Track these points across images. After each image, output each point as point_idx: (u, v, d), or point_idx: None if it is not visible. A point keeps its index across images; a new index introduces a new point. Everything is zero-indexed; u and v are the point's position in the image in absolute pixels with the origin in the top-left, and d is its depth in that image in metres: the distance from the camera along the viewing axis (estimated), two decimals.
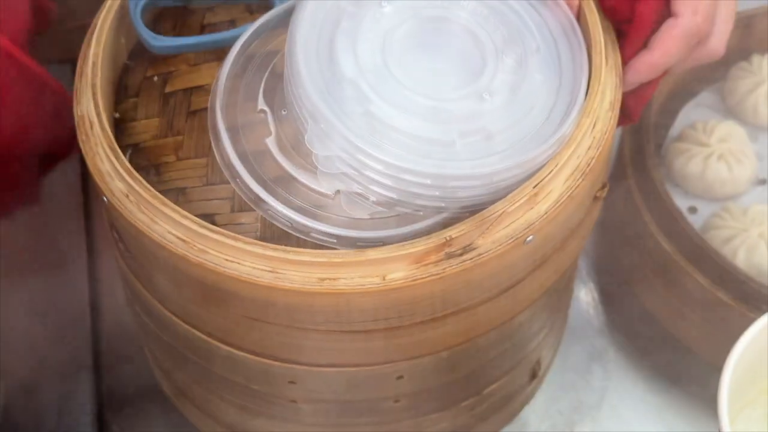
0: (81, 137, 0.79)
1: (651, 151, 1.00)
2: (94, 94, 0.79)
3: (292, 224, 0.74)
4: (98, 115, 0.77)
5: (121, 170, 0.73)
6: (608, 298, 1.07)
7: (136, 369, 1.00)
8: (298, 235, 0.74)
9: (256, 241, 0.70)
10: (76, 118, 0.80)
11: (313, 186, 0.76)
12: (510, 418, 0.95)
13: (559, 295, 0.89)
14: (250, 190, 0.75)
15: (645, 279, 1.02)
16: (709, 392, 0.76)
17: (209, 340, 0.78)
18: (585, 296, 1.06)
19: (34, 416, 0.96)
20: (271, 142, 0.79)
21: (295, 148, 0.78)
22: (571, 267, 0.90)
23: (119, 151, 0.75)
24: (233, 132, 0.79)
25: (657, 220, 0.97)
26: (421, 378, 0.80)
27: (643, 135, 1.01)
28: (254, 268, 0.70)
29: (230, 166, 0.76)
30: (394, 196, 0.72)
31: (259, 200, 0.75)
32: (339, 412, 0.83)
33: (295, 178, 0.77)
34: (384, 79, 0.76)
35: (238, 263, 0.70)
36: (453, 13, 0.81)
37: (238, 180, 0.76)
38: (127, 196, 0.73)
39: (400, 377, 0.78)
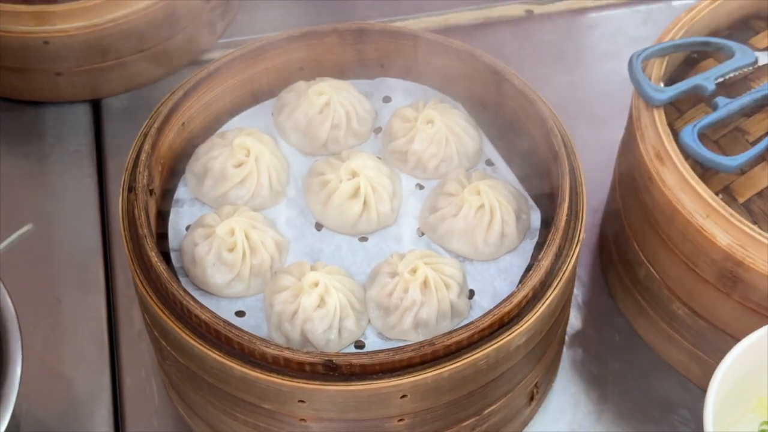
0: None
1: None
2: None
3: None
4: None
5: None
6: (602, 324, 1.04)
7: (151, 391, 0.98)
8: None
9: None
10: None
11: None
12: None
13: (560, 316, 0.89)
14: None
15: (637, 305, 1.00)
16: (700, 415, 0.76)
17: (224, 361, 0.78)
18: (580, 323, 1.04)
19: None
20: None
21: None
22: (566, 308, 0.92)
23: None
24: None
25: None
26: (424, 397, 0.80)
27: None
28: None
29: None
30: None
31: None
32: (345, 431, 0.83)
33: None
34: None
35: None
36: None
37: None
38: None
39: (403, 396, 0.78)
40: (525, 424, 0.95)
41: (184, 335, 0.81)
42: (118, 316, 1.03)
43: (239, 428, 0.87)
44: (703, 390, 0.77)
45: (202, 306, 0.80)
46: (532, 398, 0.93)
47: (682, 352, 0.96)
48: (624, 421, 0.97)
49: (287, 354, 0.78)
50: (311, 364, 0.77)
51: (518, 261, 0.90)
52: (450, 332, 0.79)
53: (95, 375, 0.99)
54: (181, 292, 0.81)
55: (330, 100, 0.96)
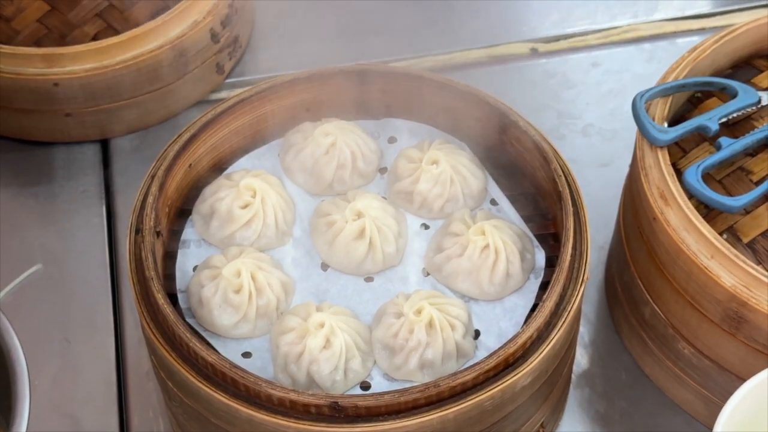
0: None
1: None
2: None
3: None
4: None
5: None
6: (609, 363, 1.04)
7: (157, 421, 0.98)
8: None
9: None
10: None
11: None
12: None
13: (565, 356, 0.88)
14: None
15: (643, 344, 1.00)
16: None
17: (230, 403, 0.78)
18: (587, 361, 1.03)
19: None
20: None
21: None
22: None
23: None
24: None
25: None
26: None
27: None
28: None
29: None
30: None
31: None
32: None
33: None
34: None
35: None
36: None
37: None
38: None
39: None
40: None
41: (190, 377, 0.81)
42: (126, 357, 1.02)
43: None
44: (710, 429, 0.77)
45: (208, 348, 0.80)
46: None
47: (689, 391, 0.95)
48: None
49: (293, 396, 0.77)
50: (317, 406, 0.77)
51: (523, 301, 0.90)
52: (455, 373, 0.79)
53: (103, 415, 0.98)
54: (188, 335, 0.80)
55: (336, 141, 0.96)
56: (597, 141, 1.16)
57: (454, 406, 0.78)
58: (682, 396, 0.97)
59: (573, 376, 0.99)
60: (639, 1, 1.28)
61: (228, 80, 1.21)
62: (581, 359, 1.01)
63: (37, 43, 1.13)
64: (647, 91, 0.93)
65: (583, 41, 1.25)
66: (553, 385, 0.89)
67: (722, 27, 1.01)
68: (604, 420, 0.99)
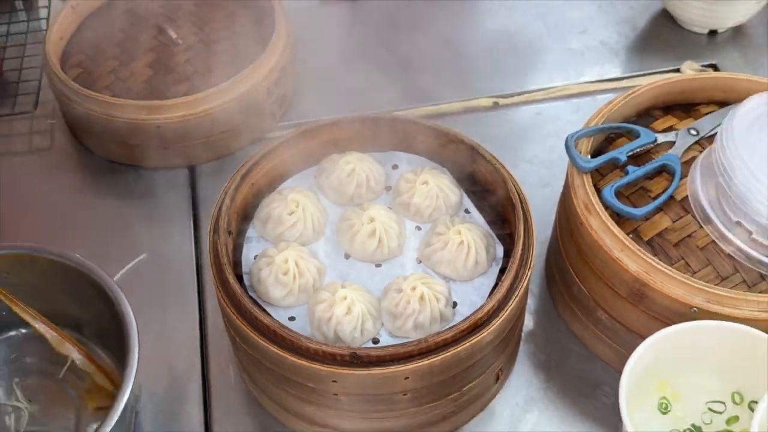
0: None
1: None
2: None
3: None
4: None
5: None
6: (548, 326, 1.02)
7: (229, 373, 0.98)
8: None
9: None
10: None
11: None
12: (483, 407, 0.93)
13: (517, 321, 0.88)
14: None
15: (572, 313, 0.98)
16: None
17: (279, 353, 0.79)
18: (532, 324, 1.02)
19: (158, 412, 0.95)
20: None
21: None
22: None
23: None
24: None
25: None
26: (421, 379, 0.80)
27: None
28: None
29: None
30: None
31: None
32: (365, 402, 0.83)
33: None
34: None
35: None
36: None
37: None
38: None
39: (406, 378, 0.79)
40: (493, 397, 0.94)
41: (251, 334, 0.81)
42: (206, 320, 1.02)
43: (290, 400, 0.87)
44: (620, 372, 0.77)
45: (264, 313, 0.81)
46: (497, 379, 0.92)
47: (605, 345, 0.95)
48: (563, 395, 0.95)
49: (324, 348, 0.78)
50: (341, 355, 0.78)
51: (487, 281, 0.90)
52: (439, 332, 0.79)
53: (190, 361, 0.98)
54: (250, 304, 0.81)
55: (355, 167, 0.95)
56: (540, 168, 1.15)
57: (439, 356, 0.79)
58: (600, 349, 0.97)
59: (522, 335, 0.98)
60: (569, 68, 1.28)
61: (280, 124, 1.20)
62: (528, 323, 1.00)
63: (144, 96, 1.13)
64: (575, 132, 0.92)
65: (531, 97, 1.24)
66: (508, 341, 0.89)
67: (629, 87, 1.00)
68: (544, 366, 0.98)
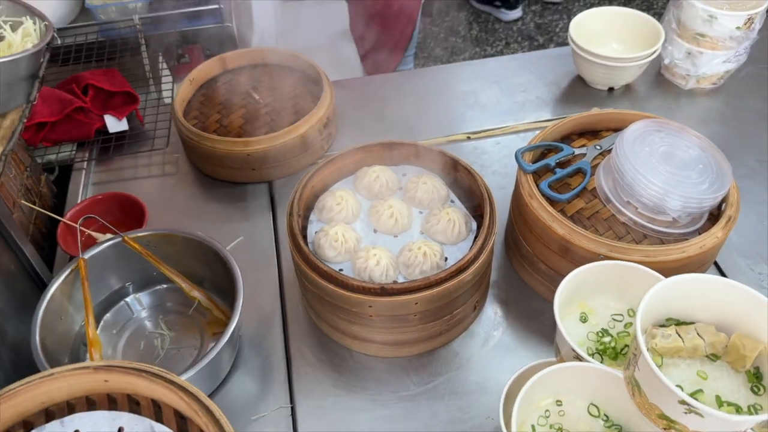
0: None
1: None
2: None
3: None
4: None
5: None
6: (506, 276, 1.01)
7: (299, 309, 0.98)
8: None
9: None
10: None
11: None
12: (465, 329, 0.94)
13: (486, 269, 0.90)
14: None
15: (522, 266, 0.98)
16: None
17: (334, 288, 0.82)
18: (495, 275, 1.01)
19: (253, 336, 0.94)
20: None
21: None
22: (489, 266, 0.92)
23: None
24: None
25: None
26: (425, 304, 0.82)
27: None
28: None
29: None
30: None
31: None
32: (389, 321, 0.84)
33: None
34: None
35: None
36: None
37: None
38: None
39: (416, 303, 0.82)
40: (472, 321, 0.95)
41: (316, 278, 0.84)
42: (282, 278, 1.02)
43: (340, 322, 0.88)
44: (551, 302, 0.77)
45: (324, 264, 0.84)
46: (475, 308, 0.94)
47: (544, 287, 0.96)
48: (518, 320, 0.96)
49: (363, 284, 0.81)
50: (374, 289, 0.81)
51: (467, 245, 0.91)
52: (437, 274, 0.82)
53: (273, 303, 0.99)
54: (315, 258, 0.84)
55: (378, 175, 0.97)
56: (498, 177, 1.14)
57: (437, 288, 0.82)
58: (540, 290, 0.98)
59: (490, 282, 0.99)
60: (516, 114, 1.27)
61: (326, 153, 1.19)
62: (494, 275, 1.01)
63: (238, 135, 1.14)
64: (521, 148, 0.95)
65: (491, 133, 1.24)
66: (481, 283, 0.91)
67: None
68: (504, 302, 0.98)
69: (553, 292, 0.77)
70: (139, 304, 0.98)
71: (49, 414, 0.60)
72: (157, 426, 0.57)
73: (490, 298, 0.99)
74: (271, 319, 0.97)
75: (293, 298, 1.00)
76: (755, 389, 0.64)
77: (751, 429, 0.60)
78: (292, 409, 0.87)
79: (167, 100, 1.36)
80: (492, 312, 0.97)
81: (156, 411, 0.59)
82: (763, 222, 1.06)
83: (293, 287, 1.01)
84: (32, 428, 0.58)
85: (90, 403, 0.60)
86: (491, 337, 0.94)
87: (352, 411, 0.87)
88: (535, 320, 0.96)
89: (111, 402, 0.60)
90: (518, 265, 1.00)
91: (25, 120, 0.68)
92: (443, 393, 0.88)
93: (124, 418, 0.58)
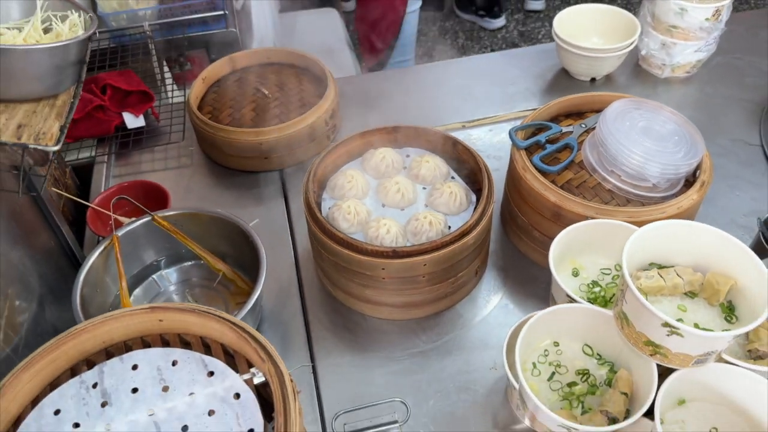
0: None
1: None
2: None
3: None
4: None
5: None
6: (502, 245, 1.06)
7: (313, 276, 1.02)
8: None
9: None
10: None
11: None
12: (468, 292, 0.99)
13: (486, 236, 0.94)
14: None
15: (517, 235, 1.03)
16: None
17: (349, 252, 0.87)
18: (494, 245, 1.06)
19: (274, 305, 0.99)
20: None
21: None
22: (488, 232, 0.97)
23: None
24: None
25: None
26: (433, 265, 0.88)
27: None
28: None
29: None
30: None
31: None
32: (400, 282, 0.90)
33: None
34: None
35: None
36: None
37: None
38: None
39: (425, 264, 0.87)
40: (474, 287, 1.01)
41: (332, 244, 0.89)
42: (297, 253, 1.08)
43: (354, 287, 0.93)
44: (548, 269, 0.83)
45: (340, 232, 0.89)
46: (476, 273, 0.99)
47: (538, 254, 1.01)
48: (515, 285, 1.01)
49: (376, 248, 0.87)
50: (386, 252, 0.87)
51: (468, 215, 0.97)
52: (442, 237, 0.88)
53: (290, 275, 1.04)
54: (331, 227, 0.90)
55: (385, 156, 1.03)
56: (492, 160, 1.20)
57: (442, 250, 0.88)
58: (535, 257, 1.03)
59: (489, 251, 1.04)
60: (507, 104, 1.33)
61: (332, 143, 1.18)
62: (492, 245, 1.06)
63: (251, 126, 1.19)
64: (515, 127, 1.02)
65: (484, 122, 1.30)
66: (482, 249, 0.97)
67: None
68: (503, 269, 1.04)
69: (547, 258, 0.82)
70: (167, 280, 1.04)
71: (109, 354, 0.67)
72: (207, 358, 0.65)
73: (489, 266, 1.04)
74: (289, 291, 1.01)
75: (309, 272, 1.05)
76: (728, 319, 0.72)
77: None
78: (313, 367, 0.93)
79: (176, 100, 1.41)
80: (491, 278, 1.03)
81: (205, 350, 0.66)
82: (735, 193, 1.15)
83: (308, 262, 1.06)
84: (95, 365, 0.65)
85: (145, 344, 0.68)
86: (491, 300, 1.00)
87: (368, 367, 0.93)
88: (531, 285, 1.02)
89: (164, 343, 0.68)
90: (514, 236, 1.06)
91: (79, 97, 0.75)
92: (450, 349, 0.95)
93: (177, 353, 0.66)
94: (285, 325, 0.98)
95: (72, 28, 0.80)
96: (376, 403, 0.87)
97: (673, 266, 0.76)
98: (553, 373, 0.78)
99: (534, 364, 0.79)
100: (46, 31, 0.80)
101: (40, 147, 0.68)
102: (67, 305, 0.88)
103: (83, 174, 1.30)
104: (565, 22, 1.35)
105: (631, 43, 1.30)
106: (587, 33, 1.38)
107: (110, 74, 1.33)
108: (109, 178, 1.25)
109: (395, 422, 0.85)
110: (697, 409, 0.72)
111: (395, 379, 0.91)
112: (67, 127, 0.71)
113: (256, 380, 0.62)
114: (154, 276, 1.04)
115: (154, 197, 1.11)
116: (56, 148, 0.69)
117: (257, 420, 0.59)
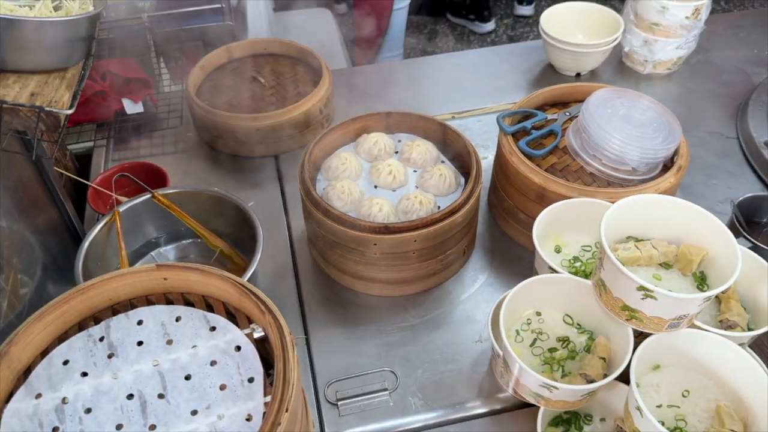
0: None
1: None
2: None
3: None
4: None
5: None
6: (489, 227, 1.09)
7: (307, 255, 1.04)
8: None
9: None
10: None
11: None
12: (455, 272, 1.02)
13: (474, 215, 0.97)
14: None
15: (503, 218, 1.06)
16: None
17: (342, 228, 0.90)
18: (481, 227, 1.09)
19: (270, 283, 1.01)
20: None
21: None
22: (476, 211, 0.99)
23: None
24: None
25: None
26: (423, 241, 0.91)
27: None
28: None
29: None
30: None
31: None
32: (392, 258, 0.93)
33: None
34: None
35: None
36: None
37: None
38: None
39: (415, 241, 0.90)
40: (461, 266, 1.04)
41: (327, 221, 0.92)
42: (291, 233, 1.10)
43: (347, 263, 0.96)
44: (532, 251, 0.87)
45: (334, 209, 0.92)
46: (464, 253, 1.02)
47: (523, 235, 1.04)
48: (501, 264, 1.04)
49: (369, 224, 0.90)
50: (378, 227, 0.89)
51: (456, 196, 1.00)
52: (432, 215, 0.91)
53: (284, 254, 1.06)
54: (325, 204, 0.92)
55: (378, 140, 1.06)
56: (481, 148, 1.23)
57: (432, 227, 0.91)
58: (520, 239, 1.07)
59: (476, 233, 1.07)
60: (495, 97, 1.37)
61: (324, 131, 1.24)
62: (480, 228, 1.09)
63: (251, 113, 1.20)
64: (502, 113, 1.06)
65: (473, 113, 1.33)
66: (469, 228, 1.00)
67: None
68: (489, 250, 1.07)
69: (531, 239, 0.85)
70: (165, 257, 1.06)
71: (115, 311, 0.70)
72: (209, 315, 0.68)
73: (477, 248, 1.07)
74: (284, 271, 1.04)
75: (303, 253, 1.08)
76: (700, 287, 0.76)
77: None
78: (307, 339, 0.96)
79: (174, 89, 1.44)
80: (479, 259, 1.06)
81: (208, 309, 0.70)
82: (712, 182, 1.19)
83: (302, 243, 1.09)
84: (101, 321, 0.68)
85: (149, 303, 0.71)
86: (478, 279, 1.04)
87: (359, 339, 0.96)
88: (516, 265, 1.05)
89: (168, 302, 0.71)
90: (501, 219, 1.09)
91: (90, 67, 0.78)
92: (438, 323, 0.98)
93: (181, 310, 0.69)
94: (280, 301, 0.98)
95: (82, 5, 0.84)
96: (366, 372, 0.90)
97: (649, 240, 0.80)
98: (535, 340, 0.81)
99: (517, 332, 0.83)
100: (56, 8, 0.83)
101: (54, 110, 0.71)
102: (68, 278, 0.91)
103: (82, 161, 1.32)
104: (552, 18, 1.39)
105: (615, 39, 1.34)
106: (573, 30, 1.43)
107: (110, 62, 1.35)
108: (109, 161, 1.28)
109: (385, 390, 0.88)
110: (671, 373, 0.76)
111: (385, 351, 0.94)
112: (79, 93, 0.75)
113: (256, 335, 0.65)
114: (152, 253, 1.06)
115: (153, 178, 1.14)
116: (70, 111, 0.72)
117: (257, 369, 0.62)
